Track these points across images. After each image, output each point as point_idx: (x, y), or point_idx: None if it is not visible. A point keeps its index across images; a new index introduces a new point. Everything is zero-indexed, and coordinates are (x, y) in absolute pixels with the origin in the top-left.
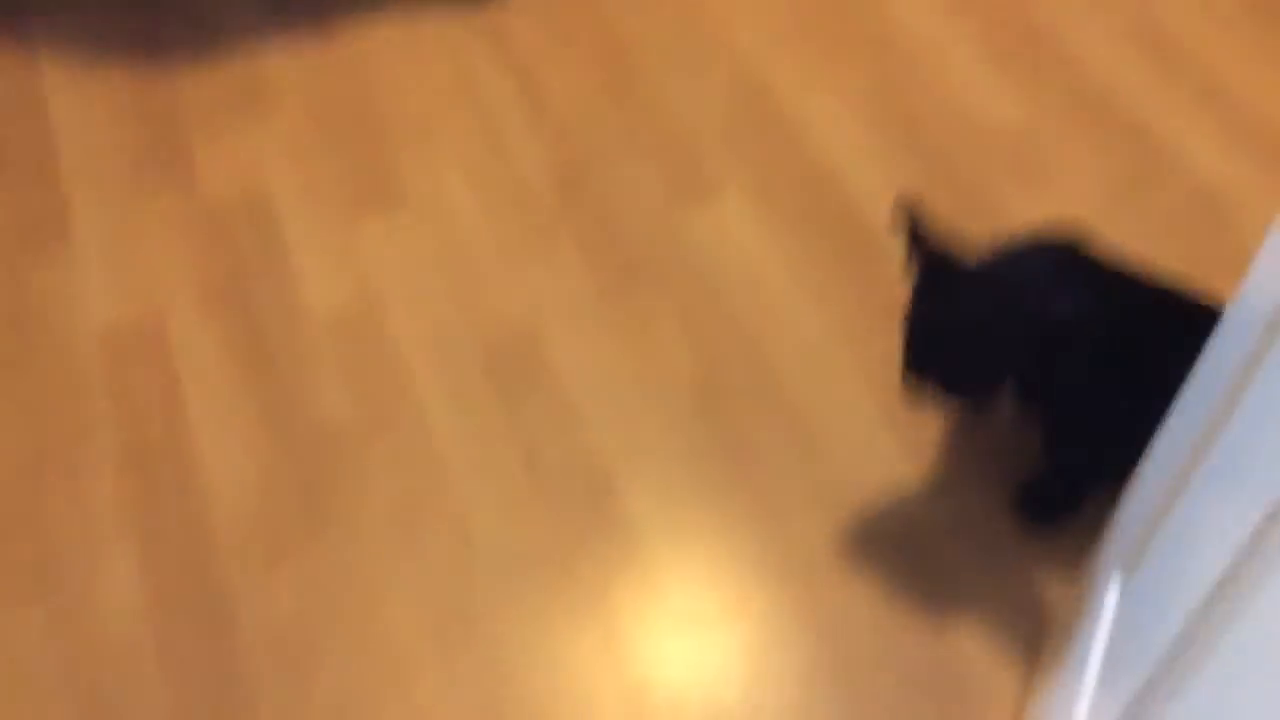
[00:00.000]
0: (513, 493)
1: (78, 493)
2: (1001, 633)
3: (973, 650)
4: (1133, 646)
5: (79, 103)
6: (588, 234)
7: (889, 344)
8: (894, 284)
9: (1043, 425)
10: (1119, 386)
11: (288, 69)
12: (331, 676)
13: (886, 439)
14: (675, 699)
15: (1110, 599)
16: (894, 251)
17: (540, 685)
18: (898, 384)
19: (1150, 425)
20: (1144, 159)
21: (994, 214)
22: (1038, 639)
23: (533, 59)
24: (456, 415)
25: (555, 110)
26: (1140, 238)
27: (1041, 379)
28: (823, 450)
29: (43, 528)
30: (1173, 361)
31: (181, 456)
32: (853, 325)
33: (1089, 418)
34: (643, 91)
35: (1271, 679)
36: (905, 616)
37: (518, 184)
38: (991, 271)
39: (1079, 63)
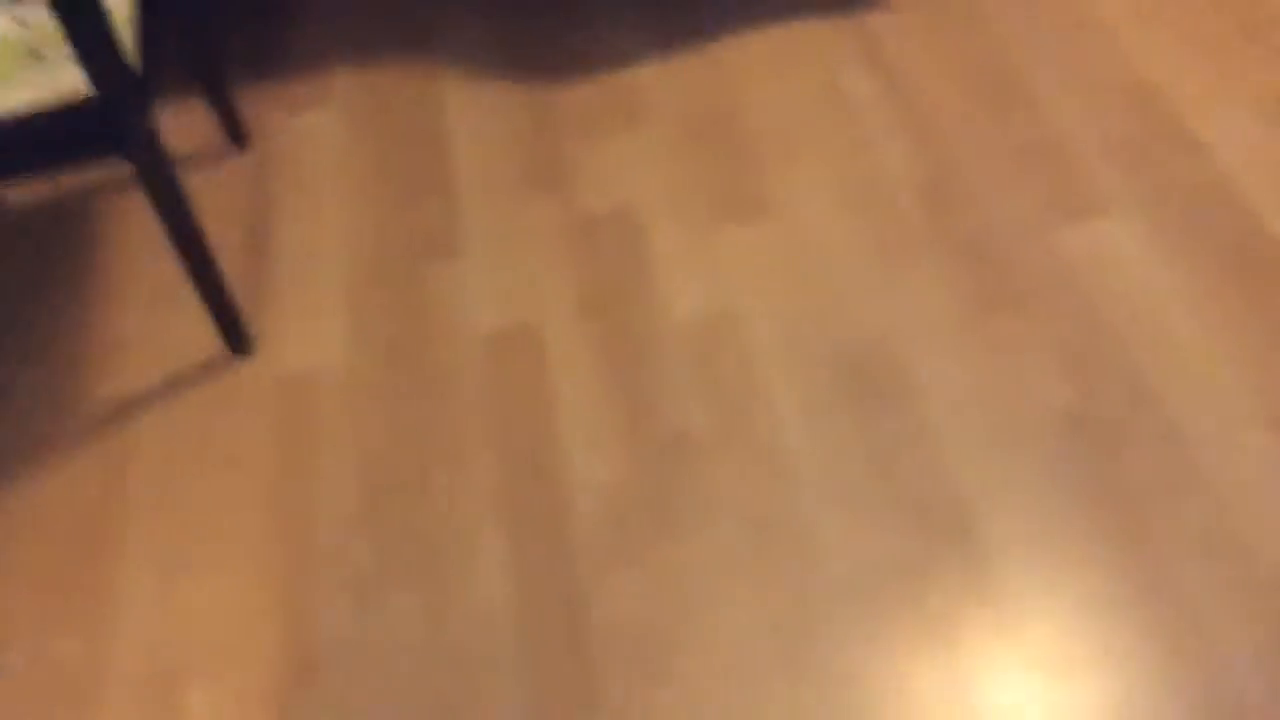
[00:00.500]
0: (864, 512)
1: (457, 481)
2: None
3: None
4: None
5: (474, 116)
6: (956, 249)
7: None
8: None
9: None
10: None
11: (660, 82)
12: (676, 685)
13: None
14: None
15: None
16: None
17: (883, 712)
18: None
19: None
20: None
21: None
22: None
23: (905, 64)
24: (810, 428)
25: (926, 118)
26: None
27: None
28: (1212, 496)
29: (425, 508)
30: None
31: (551, 454)
32: (1253, 363)
33: None
34: (1021, 99)
35: None
36: None
37: (883, 194)
38: None
39: None
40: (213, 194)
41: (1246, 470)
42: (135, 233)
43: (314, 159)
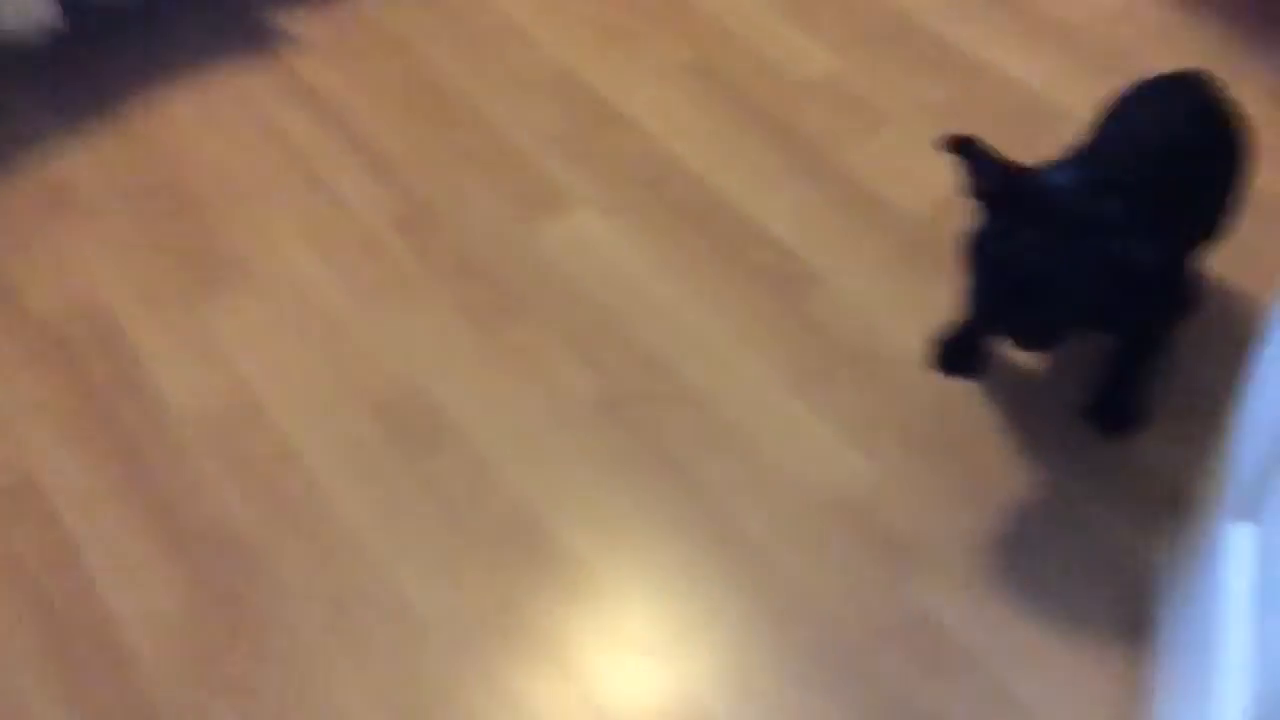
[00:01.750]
0: (442, 557)
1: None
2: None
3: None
4: None
5: None
6: (448, 271)
7: (776, 316)
8: (763, 259)
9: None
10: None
11: (88, 166)
12: None
13: (801, 409)
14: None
15: (1240, 549)
16: (755, 225)
17: None
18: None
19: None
20: (958, 77)
21: (838, 164)
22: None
23: (338, 96)
24: (362, 491)
25: (375, 147)
26: None
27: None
28: (749, 442)
29: None
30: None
31: (92, 602)
32: (737, 307)
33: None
34: (460, 110)
35: None
36: (864, 588)
37: (360, 234)
38: (1070, 204)
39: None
40: None
41: (768, 408)
42: None
43: None
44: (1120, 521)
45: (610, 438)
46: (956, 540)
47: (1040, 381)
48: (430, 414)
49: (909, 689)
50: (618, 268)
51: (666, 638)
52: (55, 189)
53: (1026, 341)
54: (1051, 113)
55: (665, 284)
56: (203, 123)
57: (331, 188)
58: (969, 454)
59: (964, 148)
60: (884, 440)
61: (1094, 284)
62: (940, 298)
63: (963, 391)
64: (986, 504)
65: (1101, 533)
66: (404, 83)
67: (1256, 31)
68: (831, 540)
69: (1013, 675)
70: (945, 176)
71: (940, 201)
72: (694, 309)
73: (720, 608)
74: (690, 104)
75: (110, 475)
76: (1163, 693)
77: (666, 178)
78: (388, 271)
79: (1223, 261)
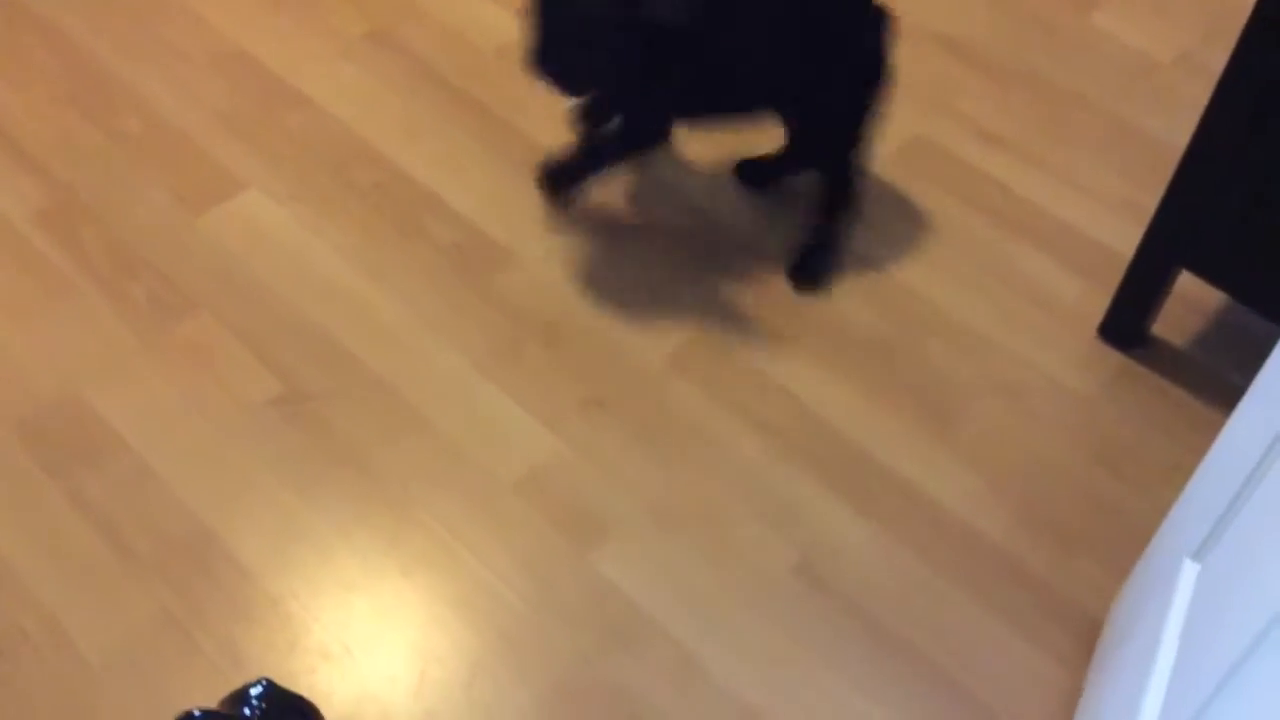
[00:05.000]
0: (106, 582)
1: None
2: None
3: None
4: (1213, 633)
5: None
6: (103, 268)
7: (463, 296)
8: (448, 238)
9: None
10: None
11: None
12: None
13: (490, 389)
14: None
15: (1182, 586)
16: (440, 203)
17: None
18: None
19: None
20: None
21: (527, 135)
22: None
23: None
24: (13, 518)
25: (25, 142)
26: None
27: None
28: (429, 425)
29: None
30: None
31: None
32: (422, 290)
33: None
34: (121, 97)
35: None
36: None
37: (7, 234)
38: None
39: None
40: None
41: (455, 391)
42: None
43: None
44: (806, 484)
45: (287, 438)
46: (645, 512)
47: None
48: (86, 424)
49: (600, 664)
50: (294, 255)
51: (351, 640)
52: None
53: (561, 80)
54: None
55: (346, 270)
56: None
57: None
58: (663, 426)
59: None
60: (572, 416)
61: (609, 31)
62: (631, 270)
63: (658, 363)
64: (676, 475)
65: (790, 496)
66: (53, 68)
67: None
68: (516, 520)
69: (701, 645)
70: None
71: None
72: (377, 295)
73: (402, 602)
74: (368, 78)
75: None
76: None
77: (344, 157)
78: (39, 275)
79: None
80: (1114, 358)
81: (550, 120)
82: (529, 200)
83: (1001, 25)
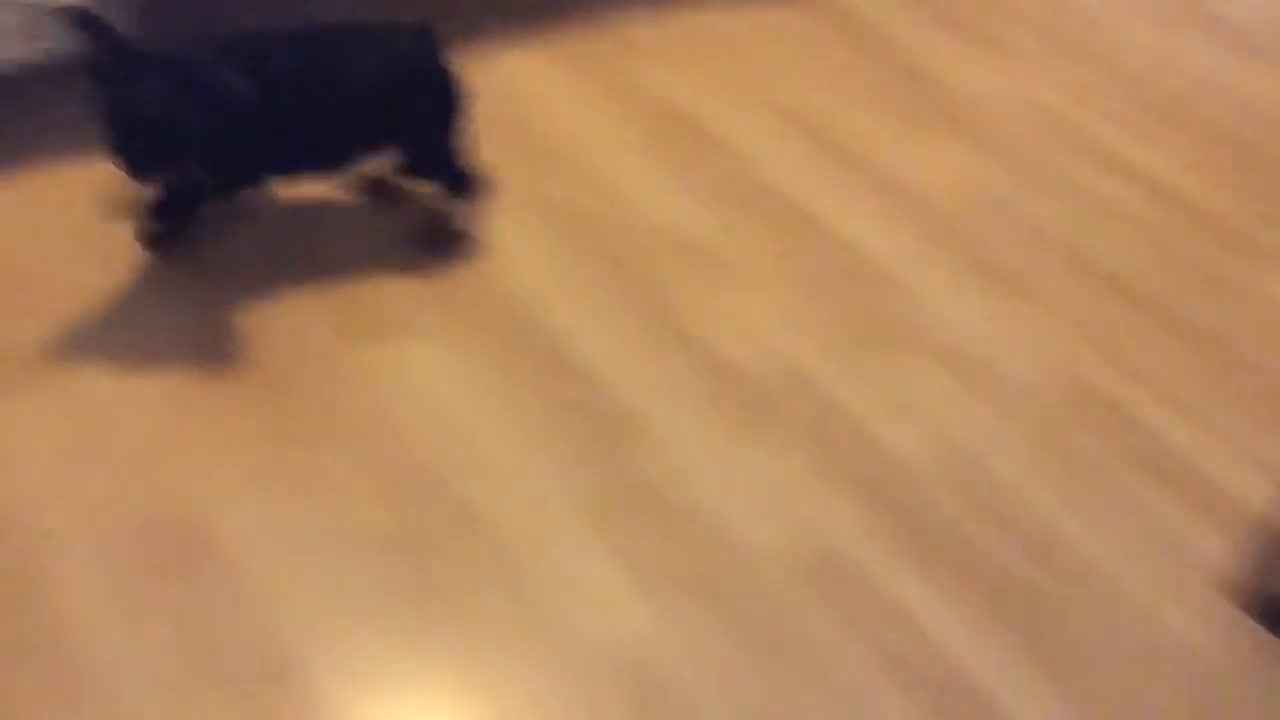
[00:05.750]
0: (186, 691)
1: None
2: None
3: None
4: None
5: None
6: (243, 388)
7: (588, 456)
8: (578, 396)
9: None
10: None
11: None
12: None
13: (597, 551)
14: None
15: None
16: (579, 362)
17: None
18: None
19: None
20: (799, 236)
21: (672, 310)
22: None
23: None
24: (124, 622)
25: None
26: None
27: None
28: (529, 582)
29: None
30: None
31: None
32: (547, 441)
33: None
34: (285, 224)
35: None
36: None
37: (156, 346)
38: (171, 55)
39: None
40: None
41: (561, 549)
42: None
43: None
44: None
45: (391, 575)
46: (734, 716)
47: None
48: (205, 538)
49: None
50: (428, 393)
51: None
52: None
53: (132, 166)
54: (889, 277)
55: (476, 414)
56: (24, 216)
57: (133, 294)
58: (775, 631)
59: (80, 19)
60: (678, 596)
61: (170, 109)
62: (773, 464)
63: (783, 564)
64: (777, 687)
65: None
66: None
67: None
68: (601, 695)
69: None
70: (785, 337)
71: (777, 361)
72: (501, 441)
73: None
74: (544, 241)
75: None
76: None
77: (496, 304)
78: (184, 383)
79: None
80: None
81: (705, 305)
82: (668, 367)
83: (1168, 269)
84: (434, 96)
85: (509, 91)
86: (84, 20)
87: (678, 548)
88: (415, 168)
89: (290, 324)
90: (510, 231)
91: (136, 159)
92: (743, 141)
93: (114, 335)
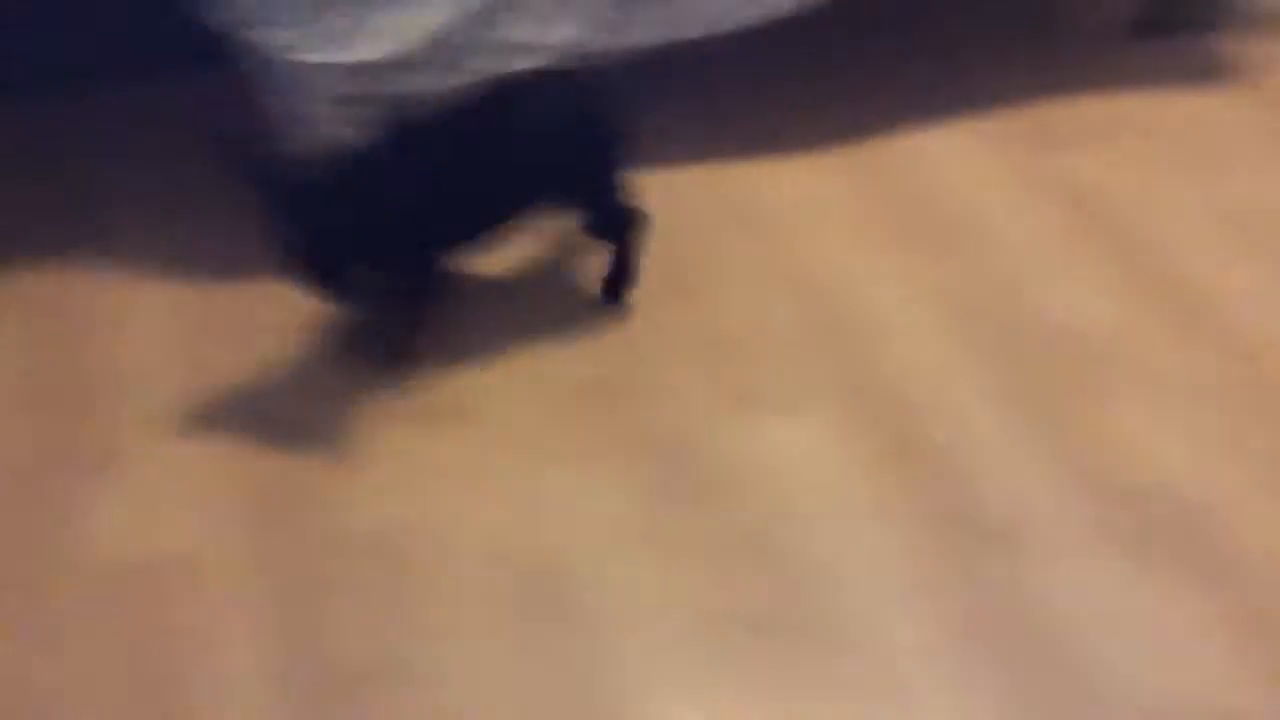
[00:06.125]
0: None
1: None
2: None
3: None
4: None
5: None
6: (626, 444)
7: (953, 579)
8: (962, 512)
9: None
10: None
11: None
12: None
13: (944, 699)
14: None
15: None
16: (973, 485)
17: None
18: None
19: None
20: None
21: (1080, 422)
22: None
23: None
24: (478, 656)
25: (603, 309)
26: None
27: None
28: (911, 708)
29: None
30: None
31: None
32: (915, 558)
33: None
34: (702, 290)
35: None
36: None
37: (556, 389)
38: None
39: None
40: None
41: (912, 679)
42: None
43: None
44: None
45: (757, 659)
46: None
47: None
48: (578, 589)
49: None
50: (816, 484)
51: None
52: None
53: (320, 277)
54: None
55: (865, 515)
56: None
57: (549, 340)
58: None
59: (232, 146)
60: None
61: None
62: (1153, 600)
63: None
64: None
65: None
66: (653, 251)
67: None
68: None
69: None
70: (1192, 461)
71: (1182, 489)
72: (877, 549)
73: None
74: (935, 329)
75: (290, 571)
76: None
77: (887, 398)
78: (566, 430)
79: None
80: None
81: (1111, 417)
82: (1055, 481)
83: None
84: (591, 139)
85: (916, 166)
86: (234, 145)
87: (1046, 689)
88: (587, 217)
89: (677, 387)
90: (899, 311)
91: (322, 270)
92: (1162, 235)
93: (542, 378)
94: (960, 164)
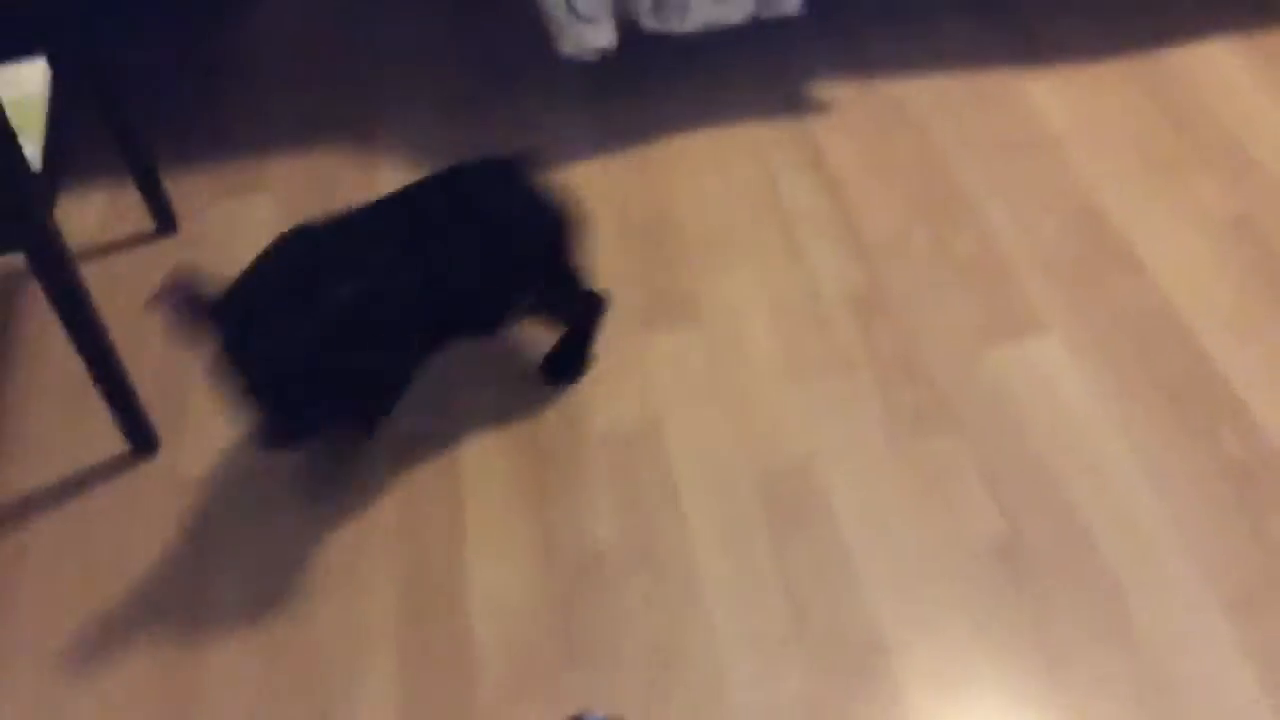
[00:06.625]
0: (775, 647)
1: (353, 593)
2: None
3: None
4: None
5: None
6: (884, 366)
7: (1229, 521)
8: (1236, 455)
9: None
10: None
11: (599, 177)
12: None
13: (1227, 633)
14: None
15: None
16: (1242, 417)
17: None
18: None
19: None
20: None
21: None
22: None
23: (845, 171)
24: (722, 551)
25: (863, 227)
26: None
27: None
28: (1145, 652)
29: (317, 620)
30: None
31: (455, 575)
32: (1185, 496)
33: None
34: (961, 217)
35: None
36: None
37: (814, 302)
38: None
39: None
40: (135, 278)
41: (1184, 622)
42: (49, 325)
43: (245, 244)
44: None
45: (992, 590)
46: None
47: None
48: (817, 499)
49: None
50: (1071, 415)
51: None
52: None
53: (279, 428)
54: None
55: (1113, 443)
56: (714, 168)
57: (806, 254)
58: None
59: (171, 295)
60: None
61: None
62: None
63: None
64: None
65: None
66: (911, 170)
67: None
68: None
69: None
70: None
71: None
72: (1137, 484)
73: None
74: (1216, 263)
75: (536, 461)
76: None
77: (1156, 335)
78: (825, 348)
79: None
80: None
81: None
82: None
83: None
84: (553, 224)
85: (1196, 83)
86: (177, 292)
87: None
88: (551, 301)
89: (938, 307)
90: (1170, 237)
91: (292, 423)
92: None
93: (783, 293)
94: (1243, 82)
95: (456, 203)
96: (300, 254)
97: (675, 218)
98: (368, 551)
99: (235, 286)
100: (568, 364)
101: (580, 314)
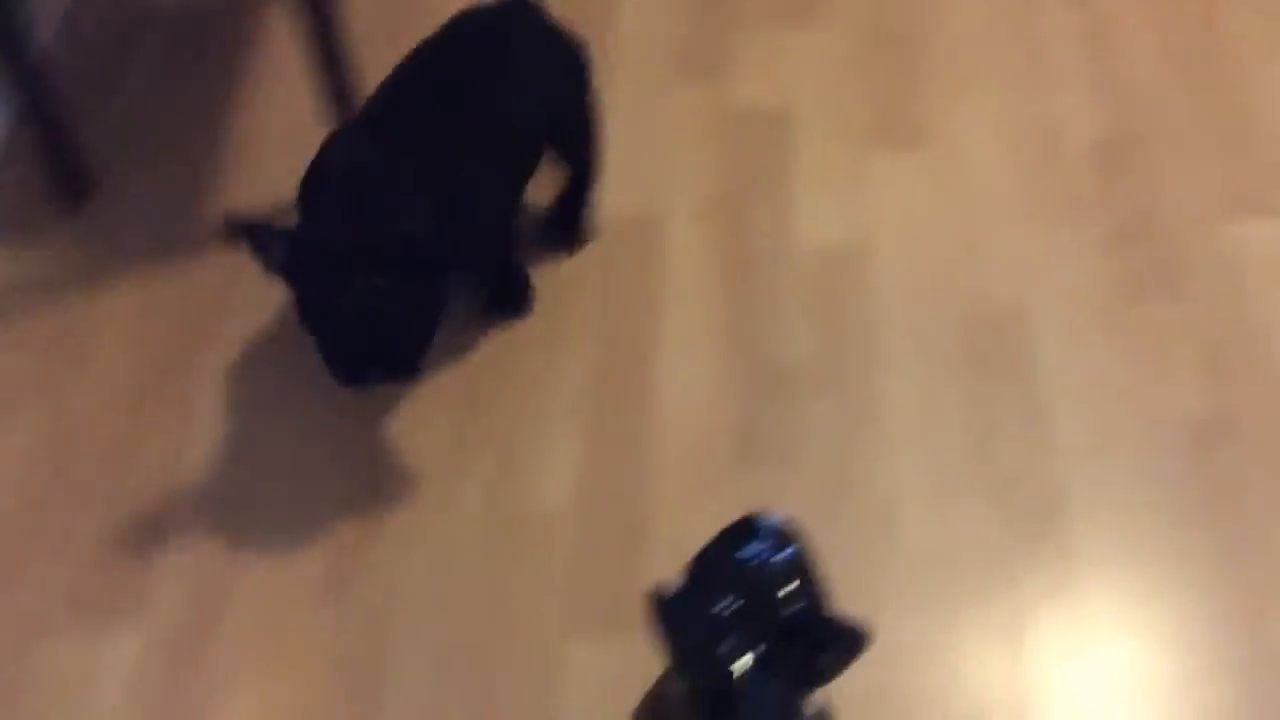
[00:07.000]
0: (952, 486)
1: (548, 364)
2: None
3: None
4: None
5: None
6: (1118, 220)
7: None
8: None
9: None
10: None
11: None
12: None
13: None
14: None
15: None
16: None
17: (930, 689)
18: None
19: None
20: None
21: None
22: None
23: (1111, 8)
24: (918, 388)
25: (1120, 71)
26: None
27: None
28: None
29: (511, 386)
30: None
31: (645, 363)
32: None
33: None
34: (1227, 74)
35: None
36: None
37: (1054, 143)
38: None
39: None
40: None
41: None
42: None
43: None
44: None
45: (1185, 467)
46: None
47: None
48: (1020, 348)
49: None
50: None
51: (1130, 680)
52: None
53: (393, 374)
54: None
55: None
56: None
57: (1054, 89)
58: None
59: (239, 229)
60: None
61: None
62: None
63: None
64: None
65: None
66: (1186, 21)
67: None
68: None
69: None
70: None
71: None
72: None
73: (1202, 677)
74: None
75: (716, 258)
76: None
77: None
78: (1057, 191)
79: None
80: None
81: None
82: None
83: None
84: (576, 60)
85: None
86: (250, 231)
87: None
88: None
89: (1174, 173)
90: None
91: (394, 364)
92: None
93: (1020, 126)
94: None
95: (485, 58)
96: (355, 169)
97: (920, 34)
98: (567, 324)
99: (306, 213)
100: (573, 216)
101: (589, 158)
